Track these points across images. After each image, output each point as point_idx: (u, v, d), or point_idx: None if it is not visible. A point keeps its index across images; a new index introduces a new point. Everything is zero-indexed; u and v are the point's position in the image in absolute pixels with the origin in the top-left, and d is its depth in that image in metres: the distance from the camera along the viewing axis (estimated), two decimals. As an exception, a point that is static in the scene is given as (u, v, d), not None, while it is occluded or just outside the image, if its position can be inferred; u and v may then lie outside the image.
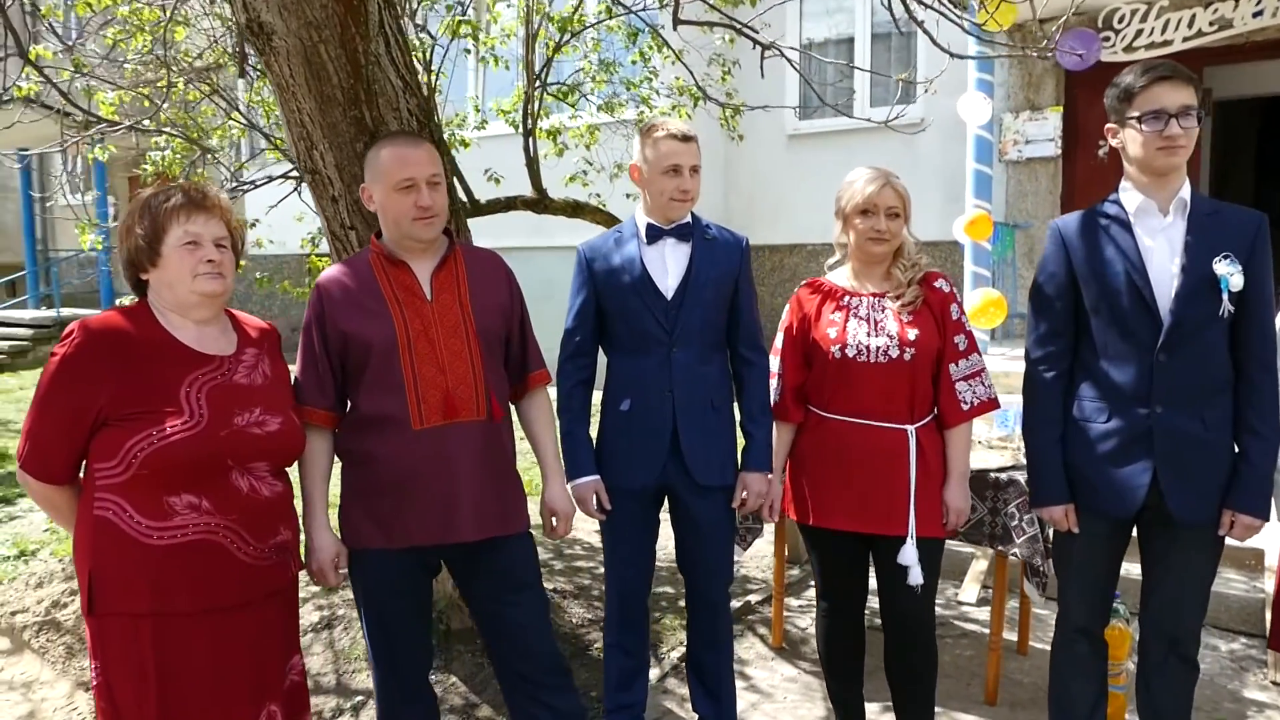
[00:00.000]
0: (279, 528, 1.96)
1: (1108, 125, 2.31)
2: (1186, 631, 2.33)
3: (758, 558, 4.50)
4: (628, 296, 2.46)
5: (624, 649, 2.63)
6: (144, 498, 1.79)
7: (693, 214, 2.55)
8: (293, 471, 2.12)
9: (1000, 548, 3.02)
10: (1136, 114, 2.18)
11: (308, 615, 3.64)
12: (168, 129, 4.34)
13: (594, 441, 2.56)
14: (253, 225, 4.75)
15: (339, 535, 2.21)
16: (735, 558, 4.36)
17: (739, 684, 3.29)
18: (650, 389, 2.46)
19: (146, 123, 4.51)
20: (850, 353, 2.42)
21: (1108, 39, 6.49)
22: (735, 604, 3.92)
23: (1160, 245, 2.24)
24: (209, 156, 4.50)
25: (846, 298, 2.52)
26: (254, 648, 1.91)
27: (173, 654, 1.80)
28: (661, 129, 2.44)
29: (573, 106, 5.09)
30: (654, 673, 3.33)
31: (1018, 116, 7.22)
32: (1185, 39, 6.28)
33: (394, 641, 2.24)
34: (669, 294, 2.45)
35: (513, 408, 2.38)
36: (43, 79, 3.42)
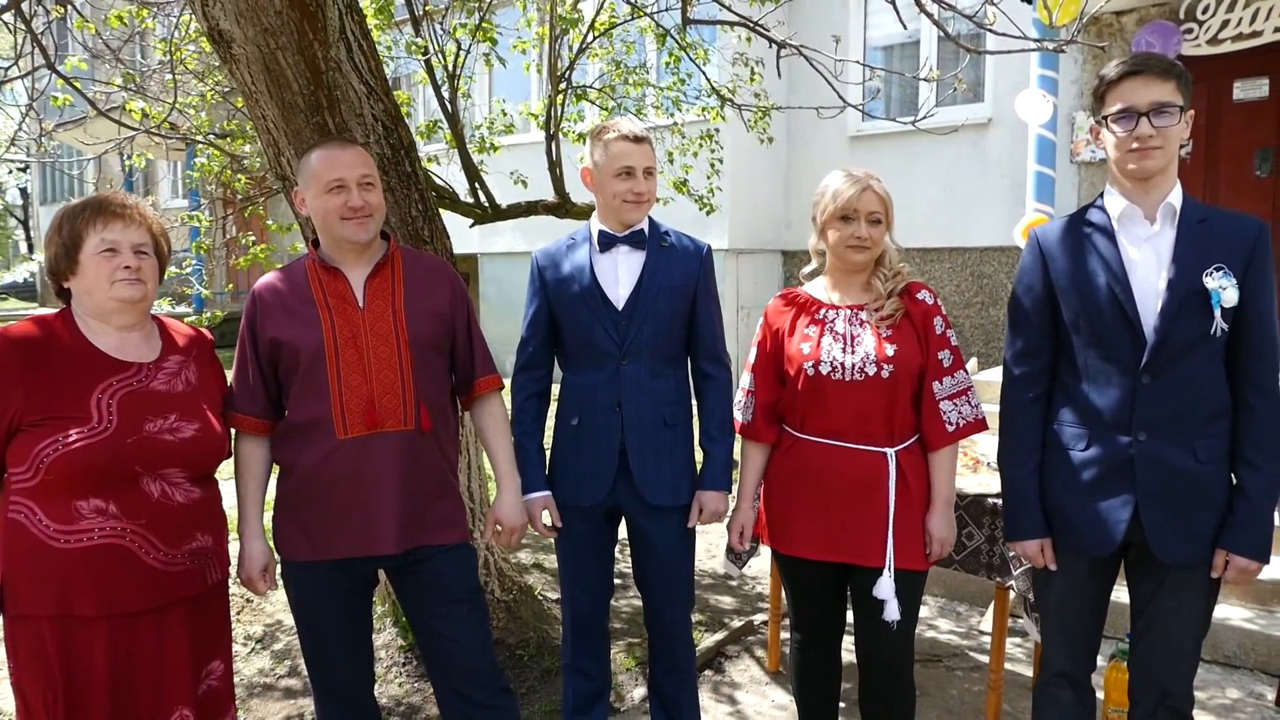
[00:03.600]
0: (195, 533, 1.96)
1: (1091, 124, 2.10)
2: (1177, 683, 2.09)
3: (766, 576, 4.34)
4: (577, 306, 2.37)
5: (579, 671, 2.55)
6: (52, 502, 1.81)
7: (651, 220, 2.44)
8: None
9: (998, 579, 2.81)
10: (1107, 112, 1.98)
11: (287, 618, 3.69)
12: (199, 138, 4.48)
13: (546, 455, 2.49)
14: (289, 229, 4.85)
15: (273, 545, 2.20)
16: (735, 576, 4.27)
17: (725, 708, 3.18)
18: (599, 404, 2.37)
19: (191, 131, 4.69)
20: (825, 370, 2.27)
21: (1190, 31, 6.05)
22: (737, 622, 3.79)
23: (1146, 256, 2.02)
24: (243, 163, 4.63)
25: (822, 310, 2.36)
26: (161, 652, 1.90)
27: (76, 657, 1.82)
28: (612, 130, 2.35)
29: (604, 109, 5.04)
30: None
31: (1090, 115, 6.80)
32: (1277, 29, 5.79)
33: (329, 654, 2.21)
34: (619, 304, 2.36)
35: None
36: (75, 91, 3.56)
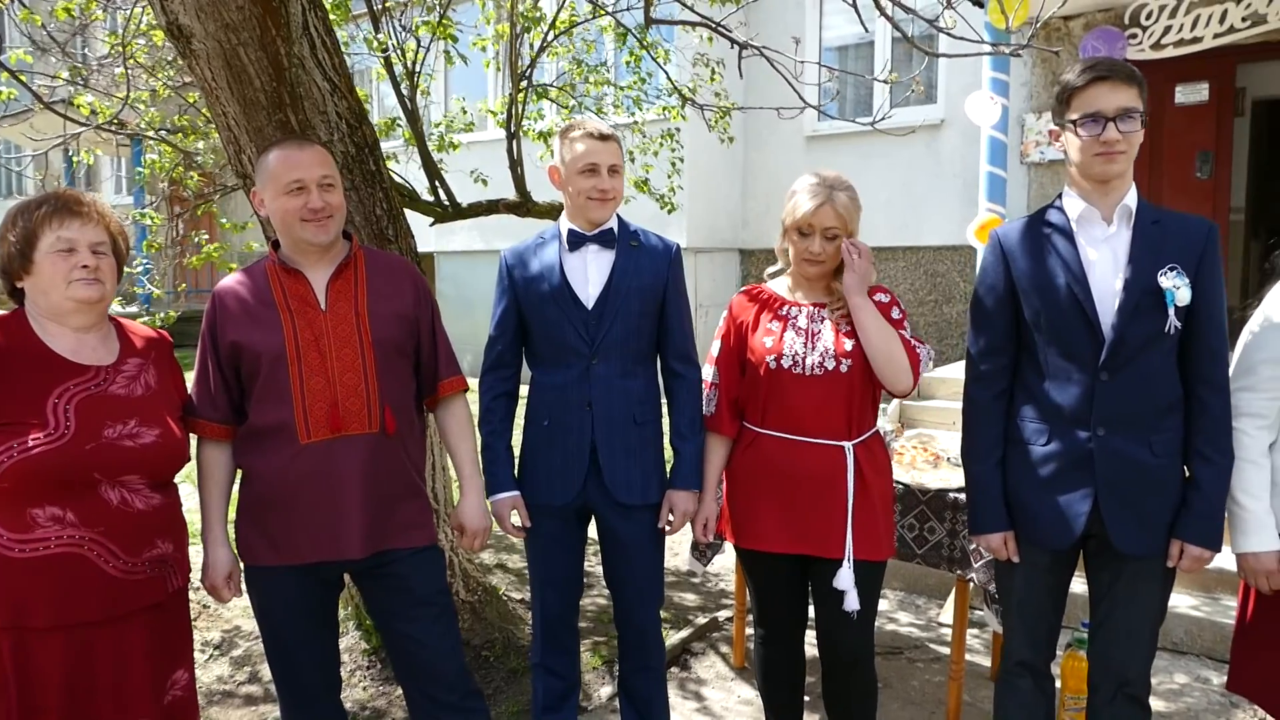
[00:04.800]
0: (155, 541, 1.91)
1: (1050, 128, 2.16)
2: (1135, 670, 2.16)
3: (729, 573, 4.38)
4: (546, 305, 2.37)
5: (549, 670, 2.54)
6: (7, 510, 1.76)
7: (620, 219, 2.45)
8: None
9: (959, 572, 2.87)
10: (1074, 117, 2.03)
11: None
12: (151, 134, 4.37)
13: (515, 455, 2.48)
14: (243, 228, 4.76)
15: (237, 551, 2.17)
16: (699, 573, 4.29)
17: (691, 704, 3.20)
18: (569, 404, 2.36)
19: (142, 127, 4.57)
20: (786, 364, 2.30)
21: (1134, 36, 6.21)
22: (702, 619, 3.81)
23: (1103, 256, 2.08)
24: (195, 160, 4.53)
25: (785, 307, 2.39)
26: (122, 663, 1.86)
27: (32, 669, 1.77)
28: (579, 128, 2.35)
29: (565, 108, 5.03)
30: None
31: (1040, 117, 6.96)
32: (1216, 35, 5.97)
33: (294, 660, 2.18)
34: (589, 303, 2.36)
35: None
36: (20, 84, 3.45)
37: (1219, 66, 6.36)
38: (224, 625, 3.79)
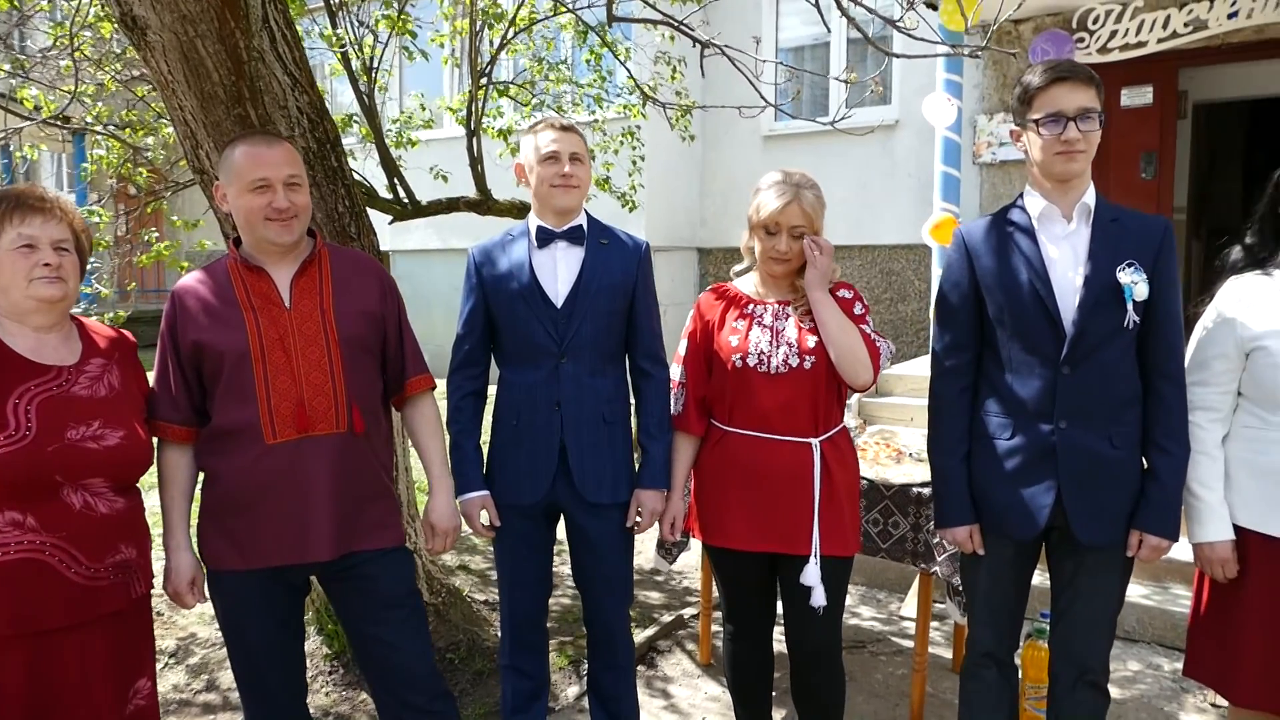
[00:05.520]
0: (119, 546, 1.86)
1: (1011, 128, 2.20)
2: (1095, 658, 2.21)
3: (693, 570, 4.40)
4: (515, 304, 2.35)
5: (518, 670, 2.52)
6: (-36, 515, 1.70)
7: (589, 217, 2.44)
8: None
9: (922, 565, 2.92)
10: (1035, 116, 2.07)
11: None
12: (99, 129, 4.25)
13: (484, 455, 2.46)
14: (195, 225, 4.66)
15: (199, 555, 2.11)
16: (666, 571, 4.31)
17: (659, 702, 3.20)
18: (538, 403, 2.35)
19: (90, 122, 4.44)
20: (752, 362, 2.31)
21: (1082, 40, 6.36)
22: (667, 617, 3.82)
23: (1064, 253, 2.13)
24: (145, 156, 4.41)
25: (751, 305, 2.40)
26: (85, 671, 1.81)
27: None
28: (542, 123, 2.35)
29: (525, 105, 5.00)
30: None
31: (992, 118, 7.10)
32: (1160, 40, 6.14)
33: (260, 667, 2.14)
34: (559, 301, 2.35)
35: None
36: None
37: (1162, 70, 6.55)
38: (179, 632, 3.71)
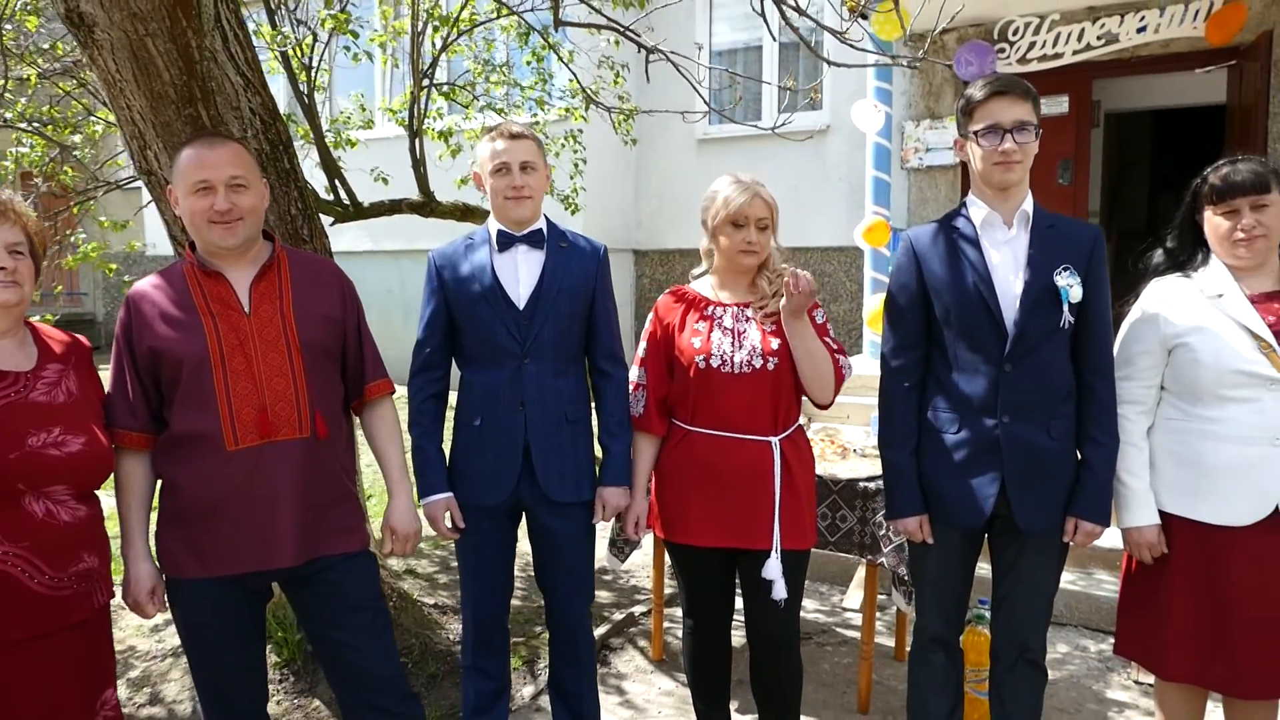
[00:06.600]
0: (82, 555, 1.83)
1: (955, 139, 2.32)
2: (1035, 637, 2.35)
3: (647, 568, 4.46)
4: (478, 306, 2.37)
5: (481, 671, 2.54)
6: (-79, 526, 1.65)
7: (548, 220, 2.48)
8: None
9: (869, 557, 3.03)
10: (976, 128, 2.19)
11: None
12: (22, 125, 4.09)
13: (446, 457, 2.47)
14: (123, 227, 4.51)
15: (159, 564, 2.08)
16: (617, 570, 4.35)
17: (614, 699, 3.25)
18: (502, 403, 2.37)
19: (10, 119, 4.27)
20: (715, 363, 2.37)
21: (1003, 51, 6.63)
22: (618, 615, 3.87)
23: (1005, 258, 2.25)
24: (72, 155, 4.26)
25: (711, 308, 2.47)
26: (48, 683, 1.77)
27: None
28: (495, 130, 2.37)
29: (465, 106, 4.98)
30: (528, 690, 3.25)
31: (919, 125, 7.34)
32: (1075, 52, 6.45)
33: (222, 675, 2.11)
34: (521, 304, 2.38)
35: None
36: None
37: (1077, 81, 6.87)
38: (118, 645, 3.60)
